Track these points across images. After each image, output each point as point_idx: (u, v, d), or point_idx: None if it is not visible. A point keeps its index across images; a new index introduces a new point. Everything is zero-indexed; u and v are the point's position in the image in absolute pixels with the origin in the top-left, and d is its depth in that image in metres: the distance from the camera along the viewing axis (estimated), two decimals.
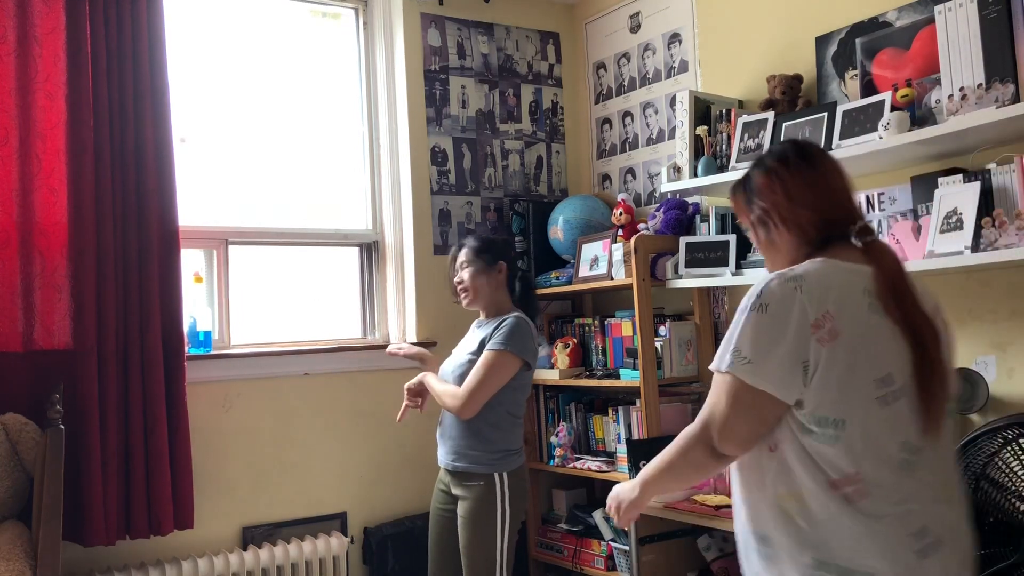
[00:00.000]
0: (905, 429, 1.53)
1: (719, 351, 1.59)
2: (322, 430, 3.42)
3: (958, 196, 2.40)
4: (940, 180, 2.49)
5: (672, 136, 3.57)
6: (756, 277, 2.88)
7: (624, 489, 1.83)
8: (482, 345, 2.78)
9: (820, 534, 1.52)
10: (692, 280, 3.12)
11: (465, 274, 2.87)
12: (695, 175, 3.10)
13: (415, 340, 3.62)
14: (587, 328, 3.66)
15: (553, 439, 3.65)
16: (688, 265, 3.12)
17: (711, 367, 1.61)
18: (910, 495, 1.52)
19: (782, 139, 1.68)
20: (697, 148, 3.14)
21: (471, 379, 2.71)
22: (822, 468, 1.51)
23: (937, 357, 1.58)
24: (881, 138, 2.53)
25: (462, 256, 2.90)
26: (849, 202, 1.67)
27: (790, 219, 1.65)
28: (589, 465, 3.46)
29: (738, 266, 3.00)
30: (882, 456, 1.52)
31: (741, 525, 1.65)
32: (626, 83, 3.85)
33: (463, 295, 2.89)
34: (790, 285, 1.54)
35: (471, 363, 2.77)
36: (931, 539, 1.51)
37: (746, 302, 1.57)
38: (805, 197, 1.64)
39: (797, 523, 1.54)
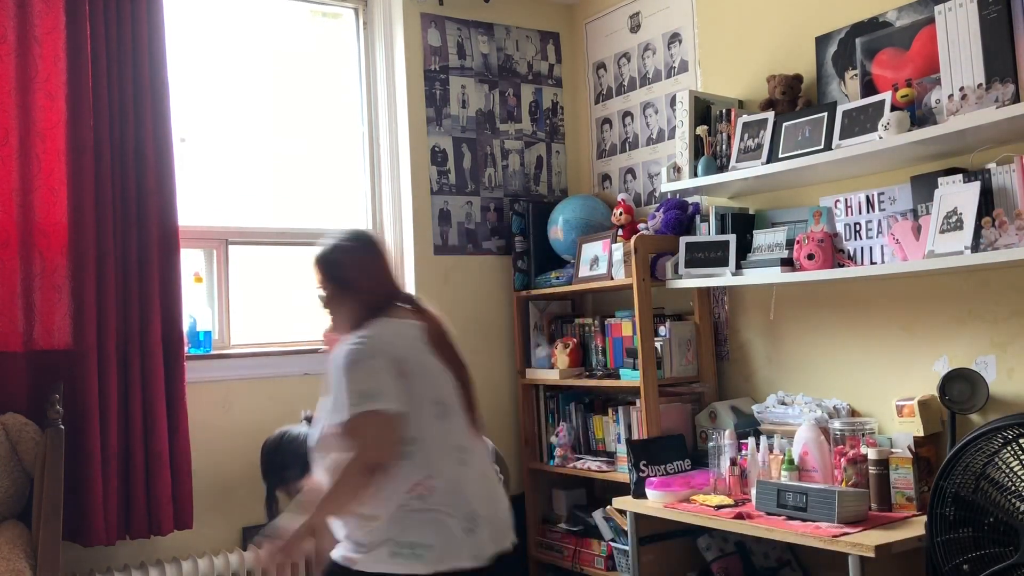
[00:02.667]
0: (458, 435, 2.10)
1: (336, 408, 1.99)
2: None
3: (958, 196, 2.40)
4: (940, 180, 2.49)
5: (672, 136, 3.56)
6: (756, 278, 2.90)
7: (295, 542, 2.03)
8: None
9: (395, 526, 1.98)
10: (692, 280, 3.12)
11: None
12: (695, 175, 3.10)
13: None
14: (587, 328, 3.65)
15: (553, 439, 3.66)
16: (688, 265, 3.12)
17: (337, 422, 1.99)
18: (464, 486, 2.05)
19: (353, 231, 2.30)
20: (697, 148, 3.14)
21: None
22: (404, 482, 1.99)
23: (469, 384, 2.17)
24: (881, 138, 2.53)
25: None
26: (392, 280, 2.21)
27: (360, 288, 2.14)
28: (589, 465, 3.46)
29: (738, 266, 3.00)
30: (446, 460, 2.05)
31: (343, 528, 2.05)
32: (626, 83, 3.85)
33: None
34: (367, 343, 2.03)
35: None
36: (476, 519, 2.04)
37: (339, 365, 2.01)
38: (371, 272, 2.17)
39: (381, 524, 1.98)
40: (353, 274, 2.15)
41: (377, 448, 1.97)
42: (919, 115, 2.57)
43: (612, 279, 3.38)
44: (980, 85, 2.34)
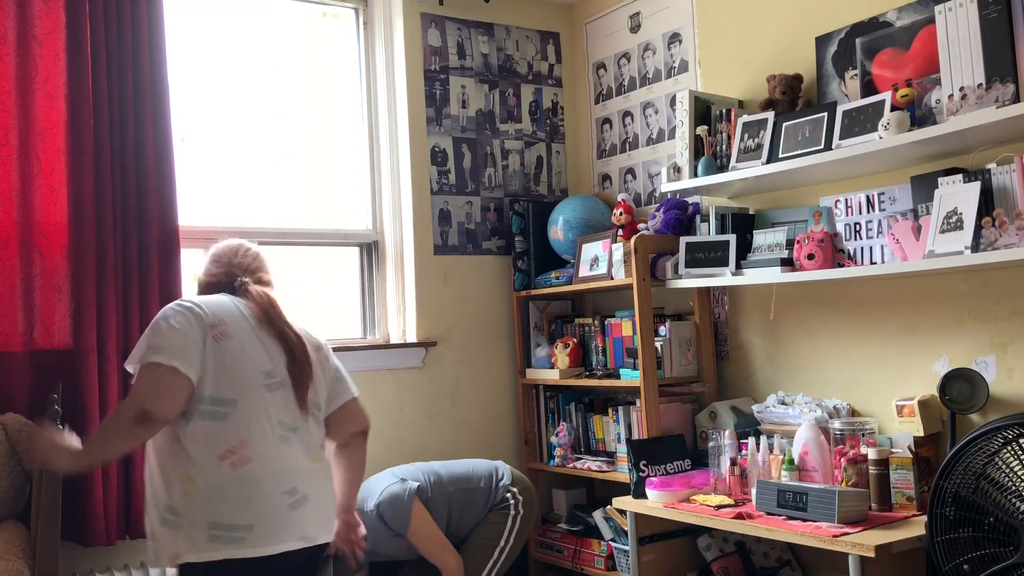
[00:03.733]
0: (284, 411, 2.14)
1: (131, 356, 2.11)
2: None
3: (958, 196, 2.40)
4: (940, 180, 2.49)
5: (672, 136, 3.56)
6: (756, 278, 2.90)
7: (55, 450, 2.12)
8: None
9: (214, 500, 2.00)
10: (692, 280, 3.12)
11: None
12: (695, 175, 3.10)
13: (415, 340, 3.62)
14: (587, 328, 3.65)
15: (553, 439, 3.66)
16: (688, 265, 3.12)
17: (129, 367, 2.11)
18: (286, 462, 2.10)
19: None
20: (697, 148, 3.14)
21: None
22: (215, 444, 2.03)
23: (304, 359, 2.22)
24: (881, 138, 2.53)
25: None
26: (230, 268, 2.35)
27: (200, 285, 2.37)
28: (589, 465, 3.46)
29: (738, 266, 3.00)
30: (264, 430, 2.09)
31: (151, 500, 2.08)
32: (626, 83, 3.85)
33: None
34: (187, 305, 2.15)
35: None
36: (300, 495, 2.10)
37: (154, 320, 2.13)
38: (207, 271, 2.37)
39: (199, 494, 2.01)
40: (201, 280, 2.40)
41: (148, 396, 2.02)
42: (919, 115, 2.57)
43: (612, 279, 3.38)
44: (980, 85, 2.34)
